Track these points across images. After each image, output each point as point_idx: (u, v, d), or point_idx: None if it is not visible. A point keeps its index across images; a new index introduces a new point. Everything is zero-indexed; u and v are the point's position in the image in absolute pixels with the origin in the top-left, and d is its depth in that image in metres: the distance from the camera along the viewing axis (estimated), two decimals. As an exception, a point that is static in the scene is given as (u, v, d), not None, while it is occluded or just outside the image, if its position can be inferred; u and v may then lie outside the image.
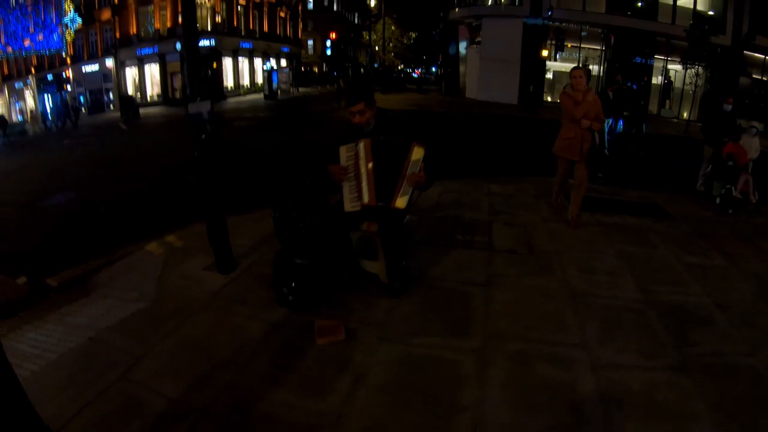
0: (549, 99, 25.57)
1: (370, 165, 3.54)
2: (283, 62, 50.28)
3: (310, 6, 55.90)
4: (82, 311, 3.71)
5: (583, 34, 24.85)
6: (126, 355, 3.06)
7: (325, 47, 51.01)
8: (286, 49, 49.86)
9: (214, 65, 37.15)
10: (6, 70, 44.70)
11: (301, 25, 53.92)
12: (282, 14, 48.66)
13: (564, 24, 23.93)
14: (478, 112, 21.13)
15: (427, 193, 4.09)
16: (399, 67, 66.59)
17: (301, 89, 45.21)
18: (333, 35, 41.95)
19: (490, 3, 24.71)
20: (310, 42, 56.76)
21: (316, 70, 56.59)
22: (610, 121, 10.02)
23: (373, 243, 3.87)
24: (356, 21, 65.84)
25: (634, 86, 17.17)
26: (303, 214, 3.77)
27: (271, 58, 46.10)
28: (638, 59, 23.92)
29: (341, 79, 33.78)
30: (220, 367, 2.94)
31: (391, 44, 55.91)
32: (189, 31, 4.12)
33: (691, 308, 3.77)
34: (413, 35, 54.21)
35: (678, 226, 5.97)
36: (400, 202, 3.59)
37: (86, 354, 3.09)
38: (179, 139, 10.13)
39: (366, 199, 3.60)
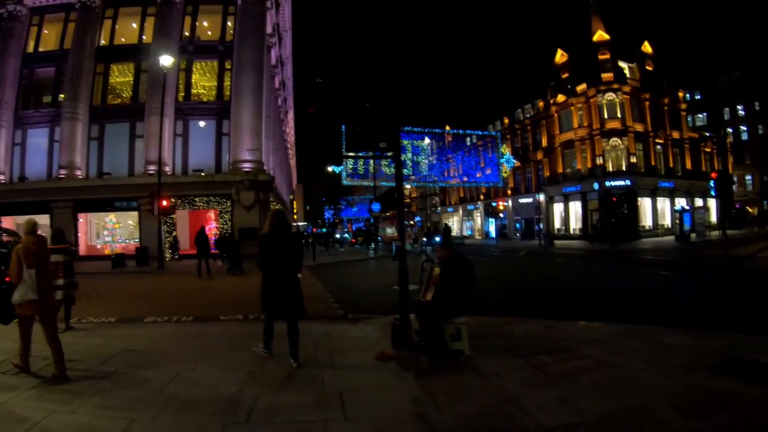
0: None
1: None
2: (712, 201, 46.53)
3: (744, 136, 50.24)
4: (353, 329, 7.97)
5: None
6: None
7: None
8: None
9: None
10: (461, 194, 58.19)
11: (731, 159, 48.93)
12: (707, 149, 45.81)
13: None
14: None
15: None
16: None
17: (730, 231, 40.51)
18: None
19: None
20: (749, 177, 50.47)
21: (752, 209, 49.53)
22: None
23: (460, 330, 6.09)
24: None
25: None
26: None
27: (696, 197, 43.72)
28: None
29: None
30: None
31: None
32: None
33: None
34: None
35: None
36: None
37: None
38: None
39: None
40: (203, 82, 30.32)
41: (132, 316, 9.20)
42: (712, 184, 39.36)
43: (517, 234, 50.73)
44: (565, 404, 4.28)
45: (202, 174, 28.02)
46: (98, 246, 28.46)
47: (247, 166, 27.48)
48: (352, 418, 4.11)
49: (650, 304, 9.96)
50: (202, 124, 29.23)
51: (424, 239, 49.82)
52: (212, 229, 27.79)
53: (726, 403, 4.24)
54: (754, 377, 4.76)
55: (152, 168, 26.20)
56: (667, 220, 42.05)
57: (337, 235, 61.84)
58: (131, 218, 28.30)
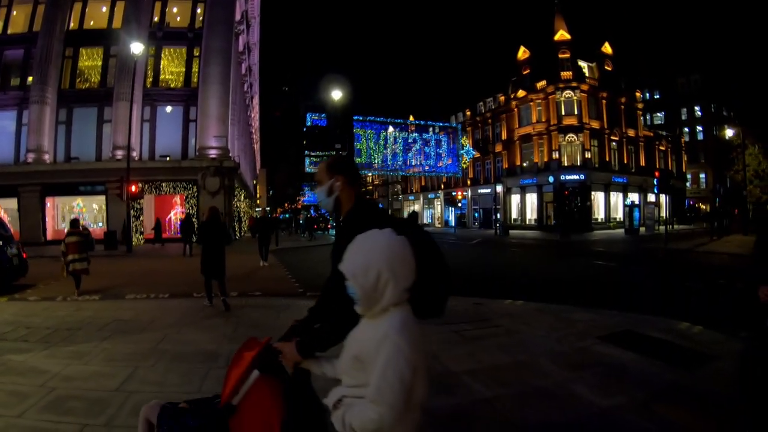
0: None
1: None
2: (664, 197, 49.15)
3: (700, 136, 53.32)
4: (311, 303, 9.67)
5: None
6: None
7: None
8: (668, 184, 48.85)
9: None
10: (423, 183, 59.96)
11: (686, 158, 51.95)
12: (662, 148, 48.53)
13: None
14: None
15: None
16: None
17: (678, 226, 43.12)
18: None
19: None
20: (702, 176, 53.66)
21: (703, 206, 52.76)
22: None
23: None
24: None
25: None
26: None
27: (649, 193, 46.19)
28: None
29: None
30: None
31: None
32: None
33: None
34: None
35: None
36: None
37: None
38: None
39: None
40: (171, 68, 30.65)
41: (113, 293, 10.19)
42: (655, 182, 41.52)
43: (475, 223, 52.70)
44: (470, 357, 5.62)
45: (169, 159, 28.49)
46: (65, 230, 28.59)
47: (213, 153, 28.13)
48: (307, 364, 5.33)
49: (575, 287, 11.46)
50: (169, 109, 29.66)
51: None
52: (177, 214, 28.53)
53: (600, 361, 5.44)
54: (635, 345, 5.91)
55: (120, 153, 26.59)
56: (619, 214, 44.28)
57: (301, 221, 62.65)
58: (97, 202, 28.64)
